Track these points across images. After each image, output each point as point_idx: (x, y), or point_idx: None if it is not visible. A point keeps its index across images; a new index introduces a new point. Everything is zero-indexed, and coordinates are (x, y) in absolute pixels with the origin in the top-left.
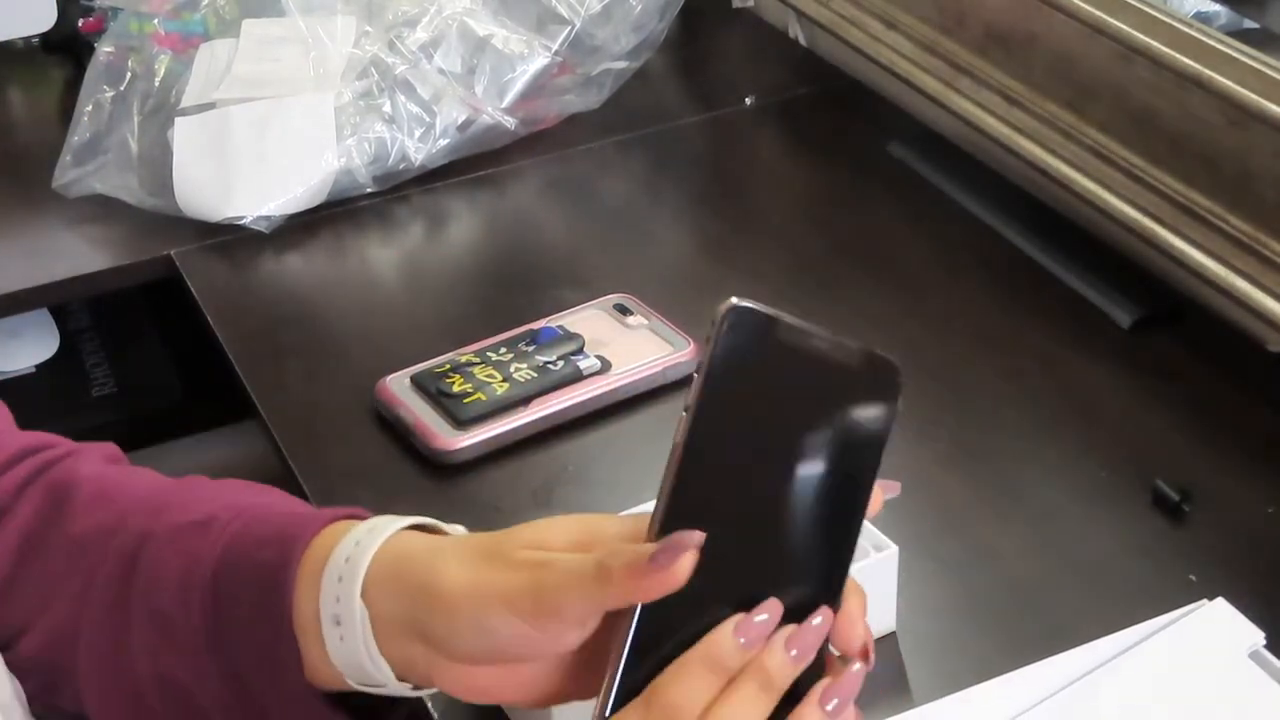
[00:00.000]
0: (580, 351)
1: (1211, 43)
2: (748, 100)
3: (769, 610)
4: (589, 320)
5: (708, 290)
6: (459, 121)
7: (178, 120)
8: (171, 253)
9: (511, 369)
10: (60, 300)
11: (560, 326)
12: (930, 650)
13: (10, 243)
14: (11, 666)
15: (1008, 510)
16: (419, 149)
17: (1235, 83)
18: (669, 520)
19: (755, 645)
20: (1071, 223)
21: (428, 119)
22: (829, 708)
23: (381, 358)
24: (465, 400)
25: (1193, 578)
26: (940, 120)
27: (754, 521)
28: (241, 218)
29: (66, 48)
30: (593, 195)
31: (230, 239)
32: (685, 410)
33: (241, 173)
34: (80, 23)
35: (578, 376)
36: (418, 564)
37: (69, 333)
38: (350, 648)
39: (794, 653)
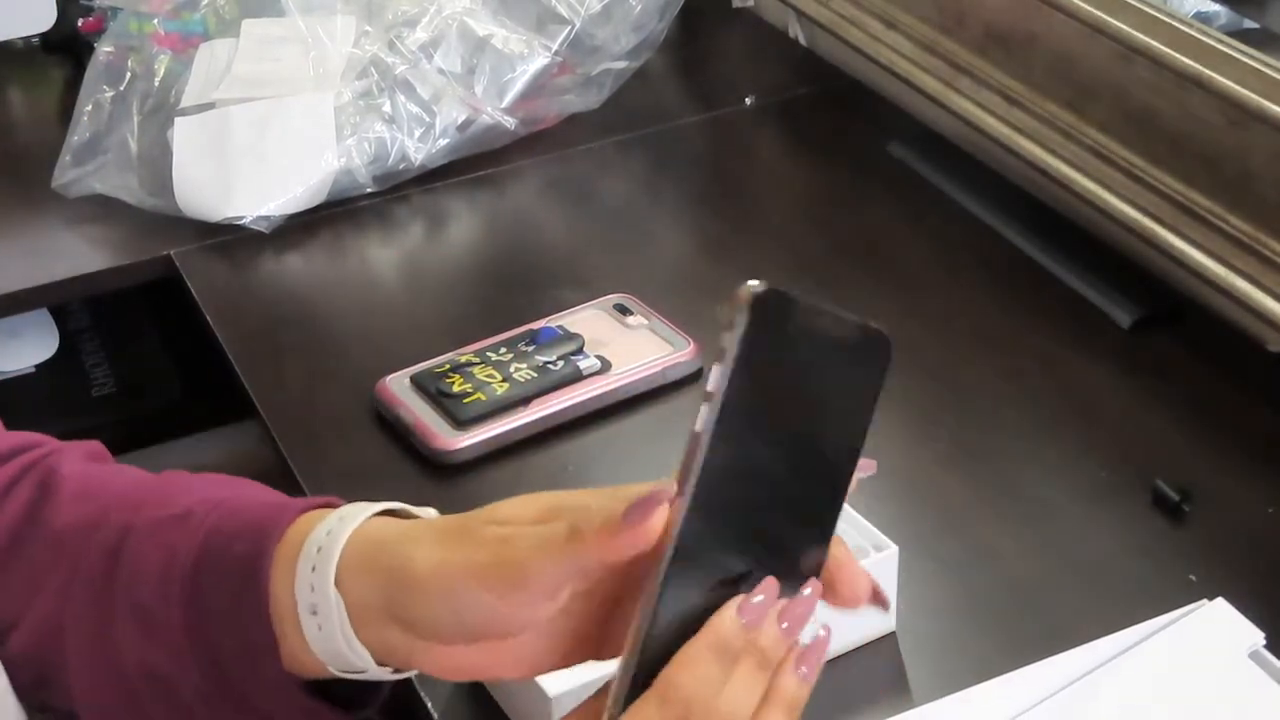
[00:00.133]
0: (580, 351)
1: (1211, 43)
2: (748, 100)
3: (766, 590)
4: (589, 320)
5: (708, 290)
6: (459, 121)
7: (177, 120)
8: (171, 253)
9: (511, 369)
10: (60, 300)
11: (560, 326)
12: (930, 650)
13: (10, 243)
14: (1, 661)
15: (1008, 510)
16: (419, 149)
17: (1235, 83)
18: (693, 512)
19: (757, 625)
20: (1071, 223)
21: (428, 119)
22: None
23: (381, 358)
24: (465, 400)
25: (1193, 578)
26: (940, 120)
27: (757, 502)
28: (241, 218)
29: (66, 48)
30: (593, 195)
31: (230, 239)
32: (707, 399)
33: (241, 173)
34: (80, 23)
35: (578, 376)
36: (389, 549)
37: (69, 333)
38: (328, 635)
39: (785, 625)
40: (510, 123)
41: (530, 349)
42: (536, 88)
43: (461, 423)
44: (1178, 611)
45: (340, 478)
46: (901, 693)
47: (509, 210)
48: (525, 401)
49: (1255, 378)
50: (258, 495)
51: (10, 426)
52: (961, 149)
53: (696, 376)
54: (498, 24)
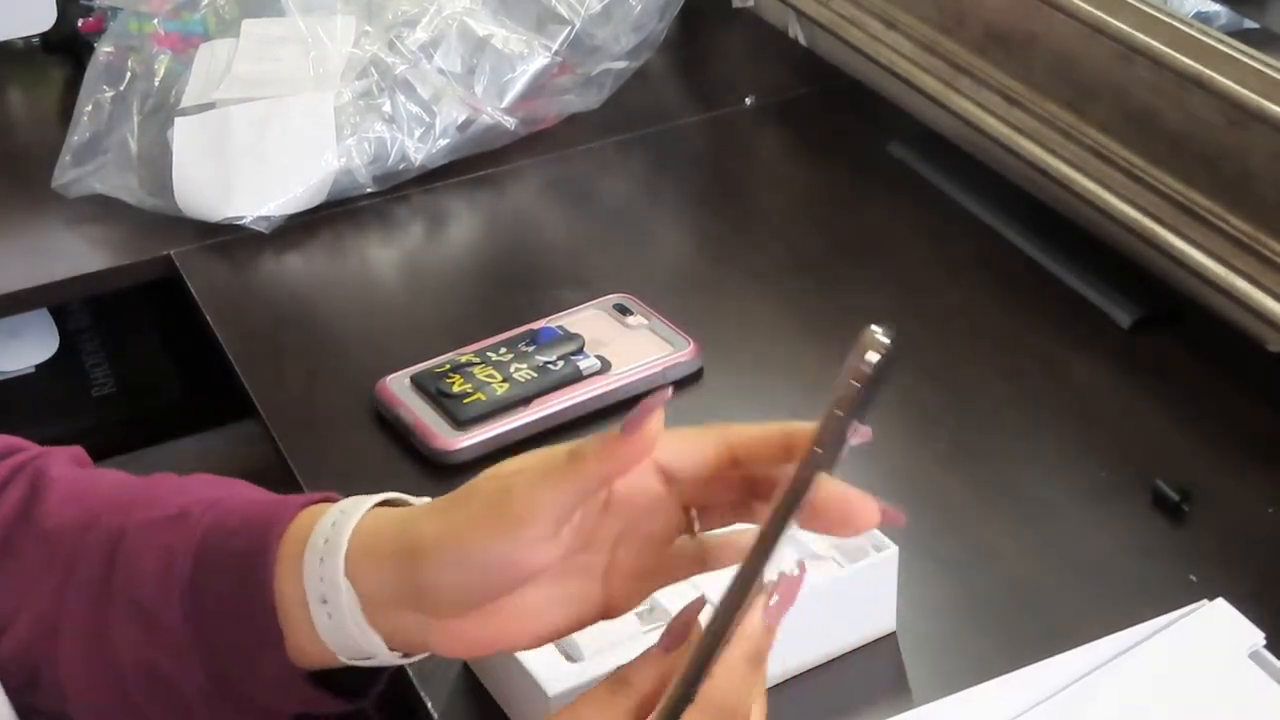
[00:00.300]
0: (580, 351)
1: (1211, 43)
2: (748, 100)
3: (787, 591)
4: (589, 320)
5: (708, 290)
6: (459, 121)
7: (177, 120)
8: (171, 253)
9: (511, 369)
10: (60, 300)
11: (560, 326)
12: (930, 650)
13: (10, 243)
14: None
15: (1008, 510)
16: (419, 149)
17: (1235, 83)
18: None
19: (777, 625)
20: (1071, 223)
21: (428, 119)
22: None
23: (381, 358)
24: (465, 400)
25: (1193, 578)
26: (940, 120)
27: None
28: (241, 218)
29: (66, 48)
30: (593, 195)
31: (230, 239)
32: (818, 449)
33: (241, 173)
34: (80, 23)
35: (578, 376)
36: (393, 533)
37: (69, 333)
38: (339, 625)
39: (775, 599)
40: (510, 123)
41: (530, 349)
42: (536, 88)
43: (461, 423)
44: (1178, 612)
45: (340, 477)
46: (901, 693)
47: (509, 210)
48: (525, 401)
49: (1255, 378)
50: (252, 494)
51: (11, 427)
52: (961, 149)
53: (697, 376)
54: (498, 24)
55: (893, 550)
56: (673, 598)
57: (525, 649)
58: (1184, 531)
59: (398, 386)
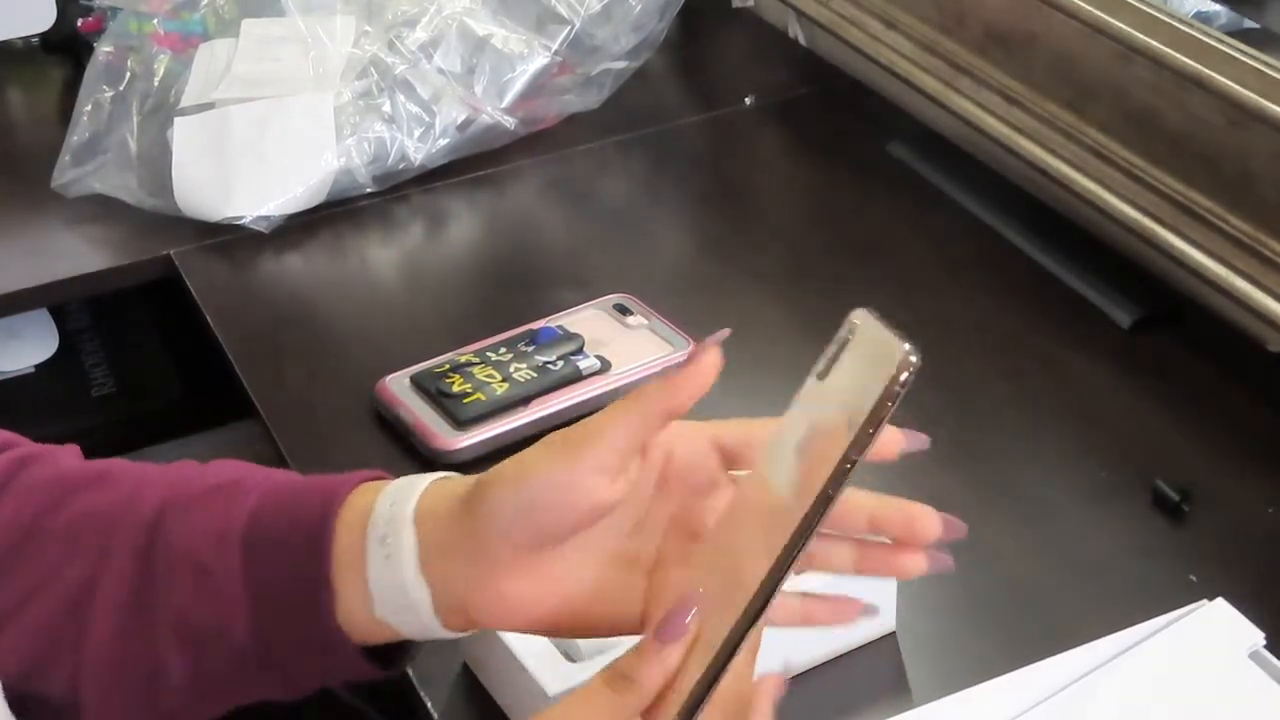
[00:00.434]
0: (580, 351)
1: (1211, 43)
2: (748, 100)
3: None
4: (589, 320)
5: (708, 290)
6: (459, 121)
7: (177, 120)
8: (171, 252)
9: (511, 369)
10: (60, 300)
11: (560, 326)
12: (930, 650)
13: (10, 243)
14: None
15: (1008, 510)
16: (419, 149)
17: (1235, 83)
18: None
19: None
20: (1071, 223)
21: (427, 119)
22: None
23: (381, 358)
24: (465, 400)
25: (1193, 578)
26: (940, 120)
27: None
28: (241, 218)
29: (66, 47)
30: (593, 195)
31: (230, 239)
32: (850, 465)
33: (241, 173)
34: (80, 22)
35: (577, 376)
36: (464, 483)
37: (69, 333)
38: (394, 566)
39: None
40: (510, 123)
41: (530, 349)
42: (536, 88)
43: (461, 423)
44: (1178, 611)
45: None
46: (901, 693)
47: (509, 210)
48: (525, 401)
49: (1255, 378)
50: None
51: (11, 427)
52: (961, 149)
53: None
54: (498, 24)
55: None
56: None
57: (558, 633)
58: (1184, 531)
59: (398, 386)
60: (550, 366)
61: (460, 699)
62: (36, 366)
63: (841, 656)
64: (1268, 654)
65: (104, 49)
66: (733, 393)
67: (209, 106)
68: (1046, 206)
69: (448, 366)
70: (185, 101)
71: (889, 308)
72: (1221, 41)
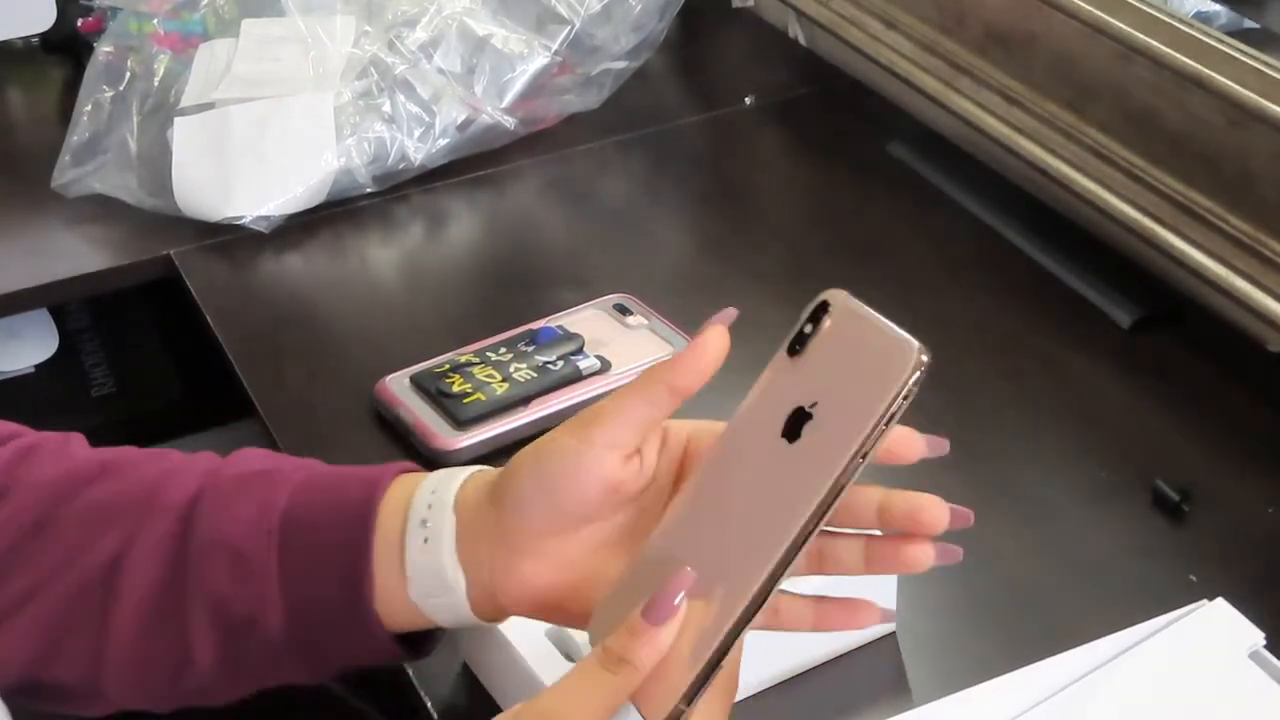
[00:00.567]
0: (580, 351)
1: (1211, 43)
2: (748, 100)
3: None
4: (589, 320)
5: (708, 290)
6: (459, 121)
7: (177, 120)
8: (171, 252)
9: (511, 369)
10: (60, 300)
11: (560, 326)
12: (930, 650)
13: (10, 243)
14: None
15: (1008, 510)
16: (419, 149)
17: (1235, 83)
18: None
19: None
20: (1071, 223)
21: (427, 119)
22: None
23: (381, 358)
24: (465, 400)
25: (1193, 578)
26: (940, 120)
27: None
28: (241, 218)
29: (66, 47)
30: (593, 195)
31: (230, 239)
32: (862, 458)
33: (241, 173)
34: (80, 22)
35: (577, 376)
36: (490, 479)
37: (69, 333)
38: (433, 549)
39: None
40: (510, 123)
41: (530, 349)
42: (536, 88)
43: (461, 423)
44: (1178, 611)
45: None
46: (901, 693)
47: (509, 210)
48: (525, 401)
49: (1255, 378)
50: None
51: None
52: (961, 149)
53: None
54: (498, 24)
55: None
56: None
57: (579, 622)
58: (1184, 531)
59: (397, 386)
60: (550, 366)
61: (460, 699)
62: (36, 366)
63: (841, 656)
64: (1268, 654)
65: (104, 49)
66: (734, 392)
67: (209, 106)
68: (1046, 206)
69: (448, 366)
70: (185, 101)
71: (889, 308)
72: (1221, 41)
